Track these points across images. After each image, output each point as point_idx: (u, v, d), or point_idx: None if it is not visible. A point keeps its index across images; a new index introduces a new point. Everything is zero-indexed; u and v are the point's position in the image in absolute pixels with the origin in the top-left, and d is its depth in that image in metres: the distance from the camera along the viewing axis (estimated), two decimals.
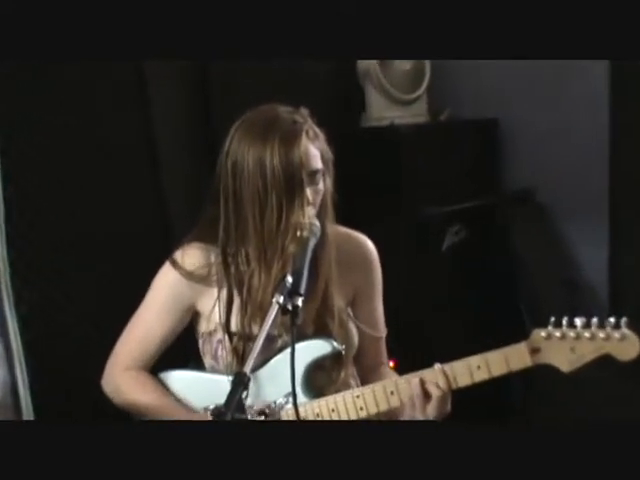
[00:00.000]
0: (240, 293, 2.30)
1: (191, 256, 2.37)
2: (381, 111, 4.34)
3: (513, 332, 2.24)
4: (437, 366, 2.17)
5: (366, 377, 2.47)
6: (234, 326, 2.33)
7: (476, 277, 4.18)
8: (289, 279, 2.03)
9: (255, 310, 2.29)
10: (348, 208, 2.36)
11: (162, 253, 2.44)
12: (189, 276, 2.37)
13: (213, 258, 2.34)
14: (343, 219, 2.40)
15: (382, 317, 2.53)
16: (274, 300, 2.01)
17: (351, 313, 2.45)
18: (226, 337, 2.32)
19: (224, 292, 2.33)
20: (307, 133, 2.23)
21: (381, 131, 4.20)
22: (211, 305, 2.38)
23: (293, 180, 2.16)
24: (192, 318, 2.46)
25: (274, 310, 2.02)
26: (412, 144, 4.05)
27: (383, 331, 2.54)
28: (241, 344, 2.29)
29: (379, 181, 4.02)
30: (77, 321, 2.99)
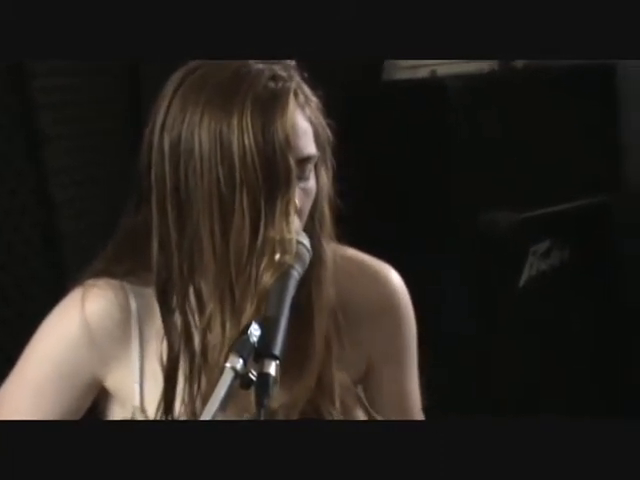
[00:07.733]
0: (190, 357, 1.94)
1: (98, 298, 1.97)
2: None
3: None
4: None
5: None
6: (177, 413, 1.94)
7: (580, 329, 3.75)
8: (254, 330, 1.72)
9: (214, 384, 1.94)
10: (357, 216, 2.11)
11: (48, 294, 2.43)
12: (95, 332, 1.97)
13: (134, 302, 1.97)
14: (350, 235, 1.99)
15: (418, 401, 2.07)
16: (227, 365, 1.68)
17: (363, 395, 2.03)
18: None
19: (160, 354, 1.93)
20: (296, 96, 1.92)
21: (415, 87, 3.77)
22: (129, 379, 1.98)
23: (276, 170, 1.87)
24: (96, 400, 2.02)
25: (227, 379, 1.68)
26: (467, 107, 3.59)
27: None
28: None
29: (410, 170, 3.57)
30: None
